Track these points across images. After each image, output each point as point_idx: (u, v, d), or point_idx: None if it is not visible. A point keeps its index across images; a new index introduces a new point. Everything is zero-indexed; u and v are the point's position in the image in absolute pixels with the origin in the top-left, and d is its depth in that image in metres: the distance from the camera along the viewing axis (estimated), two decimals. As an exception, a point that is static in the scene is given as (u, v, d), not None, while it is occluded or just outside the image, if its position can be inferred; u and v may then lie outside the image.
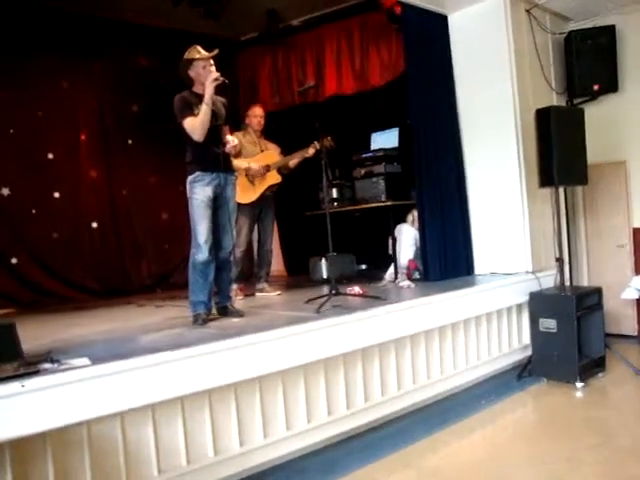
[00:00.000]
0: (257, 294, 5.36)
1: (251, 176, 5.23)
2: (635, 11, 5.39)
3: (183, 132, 3.83)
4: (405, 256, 5.29)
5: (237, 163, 4.84)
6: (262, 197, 5.32)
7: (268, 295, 5.30)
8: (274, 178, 5.36)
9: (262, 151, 5.42)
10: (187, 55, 3.88)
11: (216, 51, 3.91)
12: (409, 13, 5.07)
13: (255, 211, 5.32)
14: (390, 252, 5.50)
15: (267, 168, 5.30)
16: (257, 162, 5.28)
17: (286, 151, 5.52)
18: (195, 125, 3.74)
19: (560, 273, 4.83)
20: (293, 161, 5.42)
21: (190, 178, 3.86)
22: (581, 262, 5.81)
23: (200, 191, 3.81)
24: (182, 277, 6.29)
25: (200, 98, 3.78)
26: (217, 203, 3.92)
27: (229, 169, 4.03)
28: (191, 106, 3.78)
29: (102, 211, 6.44)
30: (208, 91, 3.72)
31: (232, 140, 4.02)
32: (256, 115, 5.43)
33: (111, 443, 2.70)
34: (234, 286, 5.13)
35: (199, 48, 3.89)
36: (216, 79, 3.72)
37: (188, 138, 3.82)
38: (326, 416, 3.48)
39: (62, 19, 5.89)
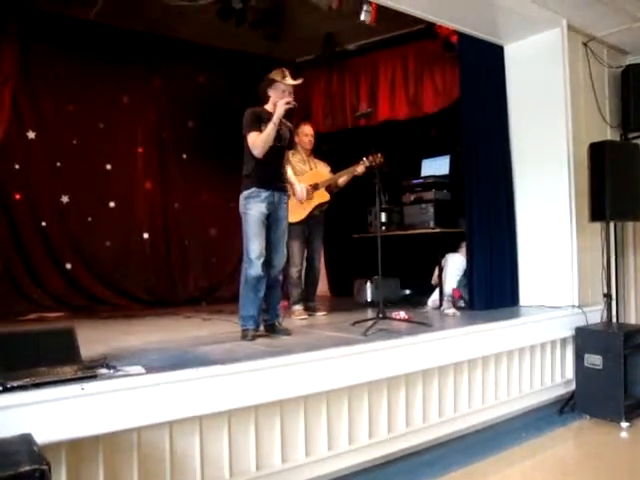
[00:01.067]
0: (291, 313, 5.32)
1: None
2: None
3: (245, 145, 3.92)
4: (449, 285, 5.29)
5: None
6: (310, 216, 5.29)
7: (315, 315, 5.27)
8: (323, 197, 5.35)
9: (311, 169, 5.43)
10: (272, 75, 4.04)
11: (300, 81, 4.08)
12: (466, 43, 5.13)
13: (304, 230, 5.28)
14: (433, 282, 5.47)
15: (315, 187, 5.28)
16: (306, 181, 5.26)
17: (336, 171, 5.52)
18: (258, 140, 3.84)
19: (607, 309, 4.76)
20: (342, 179, 5.39)
21: (245, 193, 3.91)
22: (629, 299, 5.71)
23: (255, 207, 3.86)
24: (227, 291, 6.53)
25: (269, 115, 3.89)
26: (270, 222, 3.96)
27: (283, 189, 4.10)
28: (260, 121, 3.89)
29: (154, 222, 6.64)
30: (278, 111, 3.82)
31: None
32: (306, 134, 5.44)
33: (159, 451, 2.76)
34: (298, 307, 5.23)
35: (287, 72, 4.04)
36: (288, 102, 3.84)
37: (249, 152, 3.90)
38: (367, 438, 3.49)
39: (125, 37, 6.18)
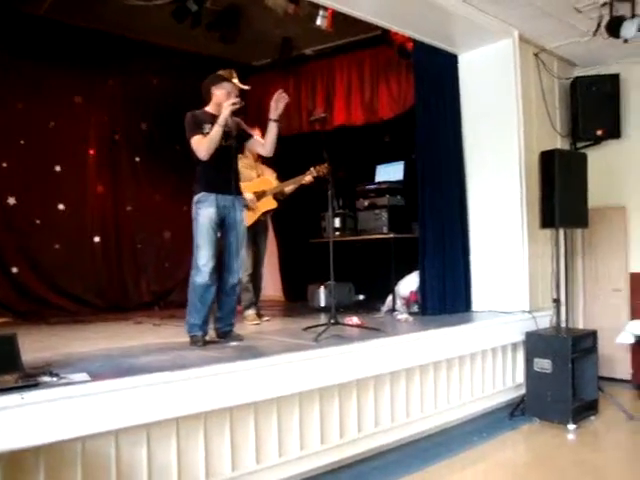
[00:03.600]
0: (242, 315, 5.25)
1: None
2: (638, 62, 5.52)
3: (190, 150, 3.82)
4: (407, 287, 5.31)
5: None
6: (257, 221, 5.26)
7: (253, 322, 5.14)
8: (270, 204, 5.33)
9: (258, 176, 5.41)
10: (221, 73, 3.94)
11: (248, 87, 4.00)
12: (420, 50, 5.18)
13: (251, 235, 5.19)
14: (385, 309, 5.47)
15: (262, 194, 5.27)
16: (253, 188, 5.24)
17: (285, 176, 5.50)
18: (202, 144, 3.73)
19: (556, 314, 4.86)
20: (289, 187, 5.40)
21: (195, 198, 3.81)
22: (577, 304, 5.84)
23: (204, 212, 3.75)
24: (181, 296, 6.33)
25: (211, 117, 3.81)
26: (225, 226, 3.86)
27: (237, 192, 3.96)
28: (201, 125, 3.78)
29: (105, 226, 6.51)
30: (224, 113, 3.72)
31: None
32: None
33: (104, 461, 2.69)
34: (250, 311, 5.17)
35: (235, 74, 3.95)
36: (234, 103, 3.74)
37: (196, 156, 3.79)
38: (319, 444, 3.48)
39: (78, 35, 6.02)
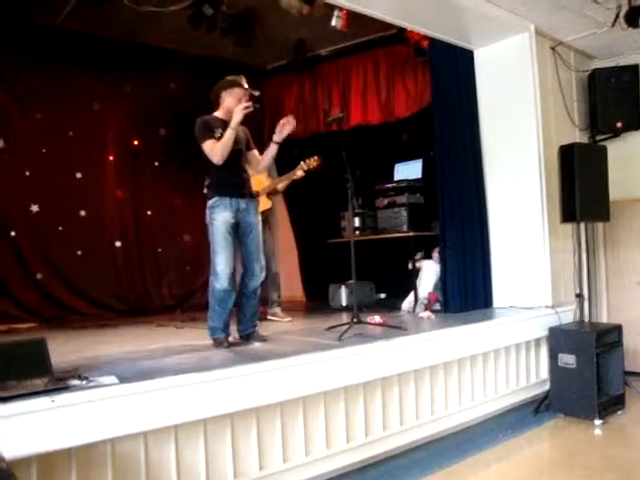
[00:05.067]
0: (269, 318, 5.35)
1: None
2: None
3: (203, 155, 3.81)
4: (425, 289, 5.31)
5: None
6: None
7: (280, 321, 5.25)
8: (265, 204, 5.26)
9: (251, 176, 5.43)
10: (231, 78, 3.94)
11: (258, 92, 4.02)
12: (436, 48, 5.18)
13: None
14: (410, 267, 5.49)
15: (256, 194, 5.28)
16: None
17: (303, 180, 5.44)
18: (216, 148, 3.72)
19: (580, 309, 4.82)
20: (281, 185, 5.42)
21: (209, 203, 3.81)
22: (601, 298, 5.78)
23: (219, 216, 3.75)
24: (202, 299, 6.37)
25: (221, 123, 3.81)
26: (241, 230, 3.86)
27: (250, 194, 3.98)
28: (212, 129, 3.78)
29: (126, 231, 6.57)
30: (237, 117, 3.70)
31: None
32: None
33: (133, 462, 2.72)
34: (278, 309, 5.33)
35: (244, 80, 3.96)
36: (247, 107, 3.73)
37: (208, 162, 3.79)
38: (345, 443, 3.49)
39: (95, 43, 6.11)
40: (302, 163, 5.16)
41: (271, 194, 5.44)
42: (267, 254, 5.36)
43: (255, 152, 4.12)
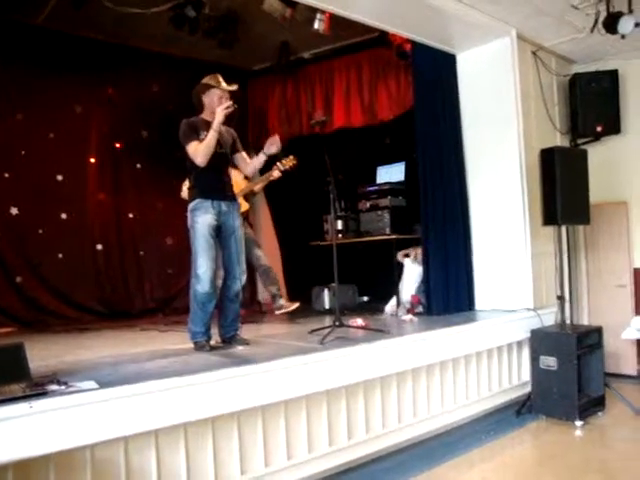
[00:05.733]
0: (276, 312, 5.47)
1: None
2: (636, 57, 5.54)
3: (186, 157, 3.79)
4: (408, 292, 5.32)
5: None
6: None
7: (289, 309, 5.41)
8: (242, 206, 5.13)
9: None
10: (207, 80, 3.90)
11: (235, 87, 3.93)
12: (419, 51, 5.20)
13: None
14: (399, 258, 5.52)
15: None
16: None
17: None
18: (199, 150, 3.70)
19: (561, 311, 4.86)
20: (258, 186, 5.43)
21: (191, 205, 3.79)
22: (582, 301, 5.84)
23: (201, 219, 3.73)
24: (184, 302, 6.32)
25: (207, 124, 3.77)
26: (223, 233, 3.85)
27: (232, 197, 3.96)
28: (197, 131, 3.76)
29: (108, 234, 6.51)
30: (218, 118, 3.69)
31: None
32: None
33: (114, 467, 2.70)
34: (281, 302, 5.41)
35: (220, 78, 3.91)
36: (227, 107, 3.71)
37: (191, 164, 3.77)
38: (327, 446, 3.48)
39: (77, 44, 6.06)
40: (278, 164, 5.14)
41: (248, 195, 5.43)
42: (252, 252, 5.37)
43: (243, 154, 4.11)
